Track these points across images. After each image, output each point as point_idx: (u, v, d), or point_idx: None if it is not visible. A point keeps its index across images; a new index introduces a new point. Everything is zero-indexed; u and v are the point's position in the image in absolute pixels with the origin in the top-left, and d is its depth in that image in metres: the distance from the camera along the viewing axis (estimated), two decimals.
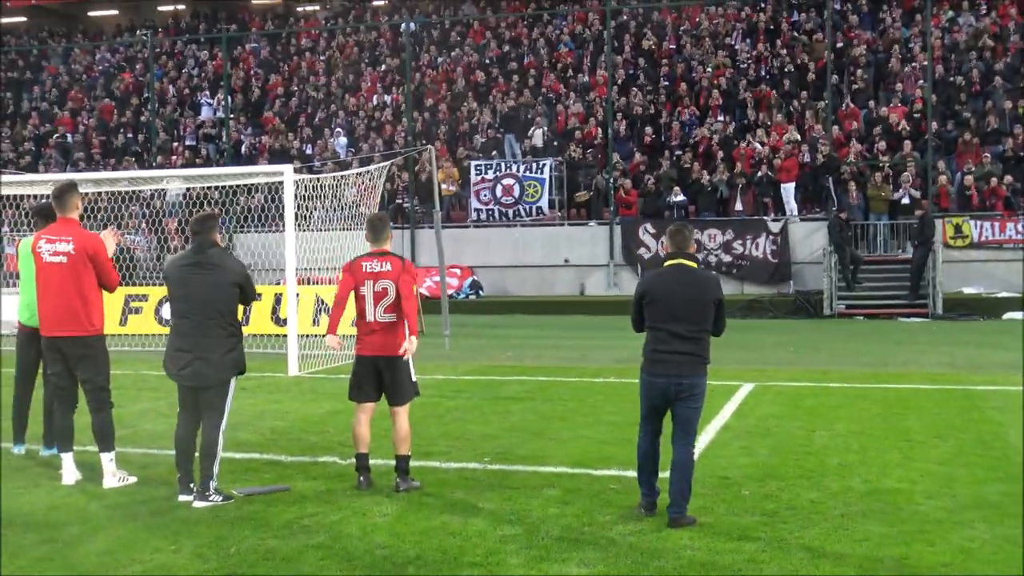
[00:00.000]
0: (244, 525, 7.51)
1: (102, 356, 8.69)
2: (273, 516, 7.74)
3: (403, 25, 38.51)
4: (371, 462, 8.63)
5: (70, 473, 8.78)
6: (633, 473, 8.79)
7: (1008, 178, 26.38)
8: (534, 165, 29.21)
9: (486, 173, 29.28)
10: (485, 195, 29.28)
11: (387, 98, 34.88)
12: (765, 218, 27.51)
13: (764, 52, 33.02)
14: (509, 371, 15.77)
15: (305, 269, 23.56)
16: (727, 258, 27.44)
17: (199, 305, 8.12)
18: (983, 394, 12.96)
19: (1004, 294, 24.83)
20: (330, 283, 23.59)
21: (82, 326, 8.55)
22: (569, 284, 28.79)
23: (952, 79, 29.93)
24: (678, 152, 29.78)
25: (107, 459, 8.65)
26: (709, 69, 32.76)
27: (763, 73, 32.36)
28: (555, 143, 30.57)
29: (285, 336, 20.26)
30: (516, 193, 29.08)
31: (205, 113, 36.10)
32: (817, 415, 11.62)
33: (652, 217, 28.35)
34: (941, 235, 25.58)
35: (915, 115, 28.91)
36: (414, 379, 8.63)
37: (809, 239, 27.17)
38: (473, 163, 29.54)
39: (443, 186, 28.86)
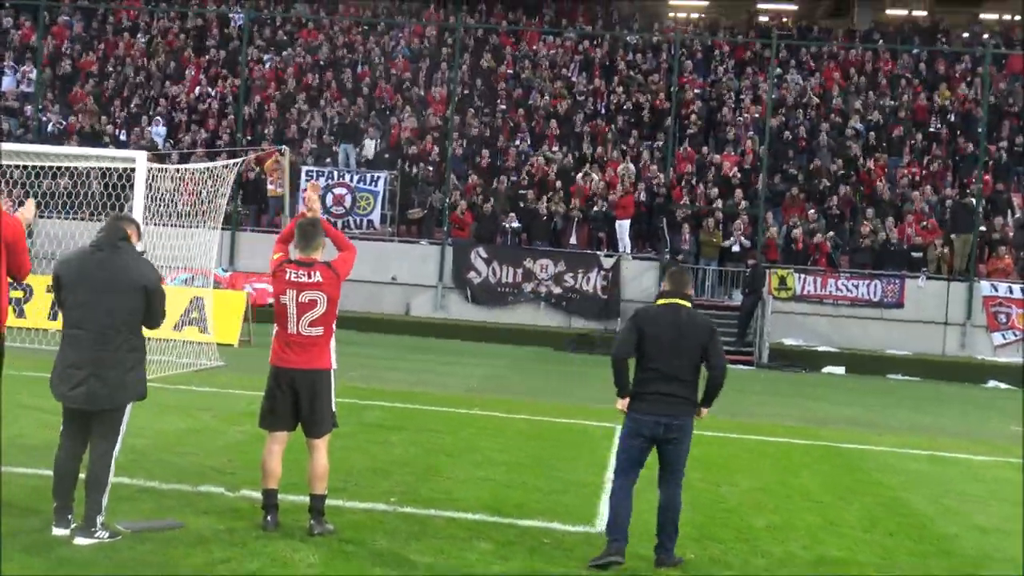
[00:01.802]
0: (145, 570, 6.41)
1: None
2: (177, 560, 6.65)
3: (232, 16, 36.95)
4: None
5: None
6: (558, 525, 8.23)
7: (831, 235, 27.19)
8: (368, 177, 28.24)
9: (317, 180, 28.06)
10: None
11: (211, 90, 33.12)
12: (598, 253, 27.43)
13: (600, 87, 33.17)
14: (364, 394, 14.80)
15: None
16: (557, 290, 27.20)
17: (100, 313, 6.87)
18: (851, 452, 12.95)
19: (824, 348, 25.51)
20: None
21: None
22: (395, 303, 27.90)
23: (781, 134, 30.78)
24: (514, 178, 29.43)
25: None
26: (546, 97, 32.66)
27: (600, 108, 32.49)
28: (386, 156, 29.67)
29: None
30: (347, 204, 28.02)
31: (7, 84, 33.37)
32: (711, 466, 11.25)
33: (486, 241, 27.83)
34: (767, 286, 26.10)
35: (745, 166, 29.54)
36: (334, 408, 7.70)
37: (640, 278, 27.25)
38: (304, 168, 28.29)
39: (270, 187, 27.49)
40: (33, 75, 33.43)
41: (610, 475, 10.22)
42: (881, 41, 35.97)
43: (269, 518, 7.51)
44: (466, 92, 33.02)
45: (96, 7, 37.37)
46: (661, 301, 7.43)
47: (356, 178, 28.14)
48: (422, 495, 8.93)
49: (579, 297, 27.18)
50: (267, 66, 34.30)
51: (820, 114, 32.03)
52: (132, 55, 34.66)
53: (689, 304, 7.42)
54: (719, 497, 9.77)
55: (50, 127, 31.12)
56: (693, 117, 31.29)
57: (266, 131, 31.13)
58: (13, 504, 7.58)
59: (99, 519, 6.92)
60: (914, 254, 26.67)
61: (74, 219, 22.72)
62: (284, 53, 35.02)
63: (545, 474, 10.20)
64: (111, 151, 19.96)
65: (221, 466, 9.48)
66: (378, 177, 28.18)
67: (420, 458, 10.51)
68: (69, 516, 7.00)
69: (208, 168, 16.98)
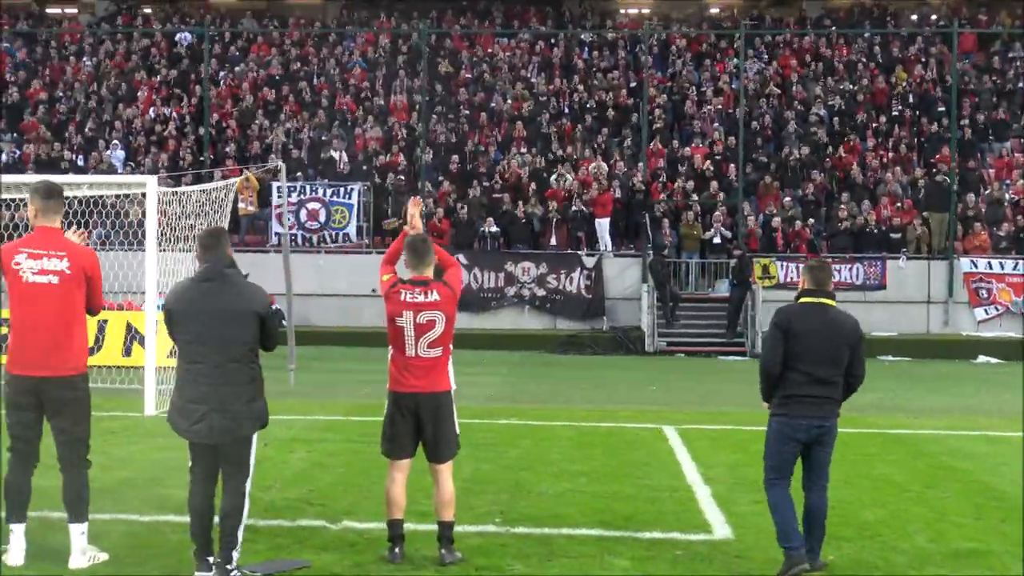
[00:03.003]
0: None
1: (85, 401, 6.94)
2: None
3: (179, 35, 36.20)
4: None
5: (19, 550, 6.91)
6: (678, 535, 8.00)
7: (811, 221, 27.29)
8: (341, 190, 27.76)
9: (289, 195, 27.51)
10: (288, 219, 27.49)
11: (166, 111, 32.35)
12: (579, 252, 27.24)
13: (562, 87, 33.01)
14: (378, 410, 14.39)
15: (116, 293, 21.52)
16: (540, 292, 26.96)
17: (216, 343, 6.51)
18: (906, 437, 12.88)
19: None
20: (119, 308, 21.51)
21: (68, 363, 6.80)
22: (376, 315, 27.24)
23: (747, 123, 30.83)
24: (486, 182, 29.13)
25: (78, 531, 6.88)
26: (508, 100, 32.42)
27: (563, 108, 32.31)
28: (363, 167, 29.19)
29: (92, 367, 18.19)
30: (322, 218, 27.52)
31: None
32: None
33: (464, 248, 27.48)
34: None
35: (716, 156, 29.54)
36: (457, 431, 7.39)
37: (623, 275, 27.11)
38: (275, 185, 27.69)
39: (240, 205, 26.89)
40: None
41: (692, 479, 10.09)
42: (833, 27, 36.27)
43: (397, 550, 7.20)
44: (426, 99, 32.64)
45: (36, 31, 36.43)
46: (806, 300, 7.15)
47: (329, 192, 27.64)
48: (524, 513, 8.64)
49: (563, 298, 26.96)
50: (221, 84, 33.59)
51: (783, 102, 32.16)
52: (80, 79, 33.77)
53: (834, 302, 7.17)
54: None
55: (3, 156, 30.19)
56: (658, 112, 31.24)
57: (228, 149, 30.48)
58: (122, 552, 7.17)
59: (235, 554, 6.55)
60: (892, 235, 26.84)
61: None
62: (237, 69, 34.35)
63: (629, 482, 9.96)
64: (123, 177, 19.32)
65: (304, 497, 9.11)
66: (351, 189, 27.71)
67: (499, 474, 10.19)
68: (210, 559, 6.61)
69: (205, 190, 16.46)
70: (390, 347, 7.35)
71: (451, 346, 7.36)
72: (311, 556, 7.28)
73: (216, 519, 6.66)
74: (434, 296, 7.20)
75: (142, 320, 19.92)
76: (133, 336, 19.79)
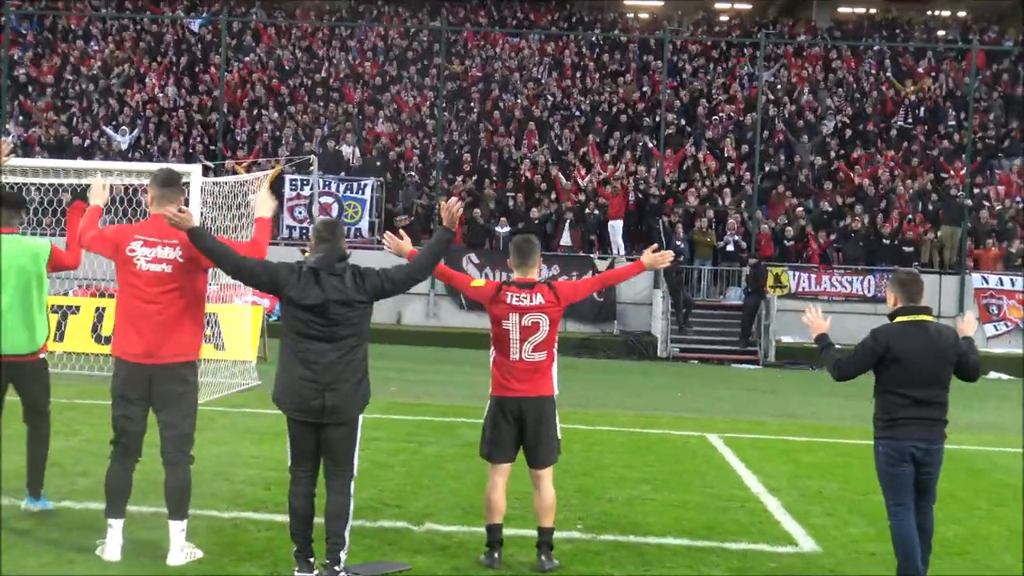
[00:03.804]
0: None
1: (194, 395, 6.82)
2: None
3: (188, 21, 35.95)
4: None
5: (116, 545, 6.78)
6: (765, 547, 7.94)
7: (822, 231, 27.31)
8: (354, 184, 27.58)
9: (301, 189, 27.35)
10: (300, 212, 27.35)
11: (176, 98, 32.10)
12: (592, 255, 27.17)
13: (573, 88, 32.96)
14: (425, 410, 14.39)
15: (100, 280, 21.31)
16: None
17: (332, 325, 6.49)
18: (952, 453, 12.81)
19: None
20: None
21: (179, 354, 6.68)
22: (386, 312, 27.26)
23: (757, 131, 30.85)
24: (497, 181, 29.02)
25: (178, 528, 6.76)
26: (520, 99, 32.34)
27: (575, 109, 32.25)
28: (376, 163, 29.02)
29: (108, 355, 18.00)
30: (334, 213, 27.32)
31: None
32: (832, 473, 11.05)
33: (477, 247, 27.39)
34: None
35: (729, 163, 29.55)
36: (559, 436, 7.29)
37: (635, 280, 26.92)
38: (288, 177, 27.51)
39: (250, 196, 26.68)
40: None
41: (756, 489, 10.03)
42: (841, 38, 36.38)
43: (496, 555, 7.11)
44: (443, 95, 32.49)
45: (45, 13, 36.08)
46: (903, 318, 6.96)
47: (342, 186, 27.46)
48: (604, 520, 8.57)
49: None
50: (230, 73, 33.34)
51: (792, 112, 32.21)
52: (89, 63, 33.45)
53: (931, 316, 7.06)
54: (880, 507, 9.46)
55: (11, 139, 29.86)
56: (670, 117, 31.22)
57: (239, 138, 30.29)
58: (211, 550, 7.05)
59: (343, 555, 6.45)
60: (905, 248, 26.87)
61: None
62: (247, 58, 34.12)
63: (694, 491, 9.89)
64: (163, 165, 19.03)
65: (377, 497, 8.98)
66: (364, 184, 27.55)
67: (560, 479, 10.02)
68: (311, 559, 6.50)
69: (241, 181, 16.30)
70: (493, 350, 7.25)
71: (555, 351, 7.26)
72: (405, 559, 7.18)
73: (305, 515, 6.60)
74: (539, 299, 7.13)
75: None
76: None
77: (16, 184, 19.20)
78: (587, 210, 27.55)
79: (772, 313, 24.81)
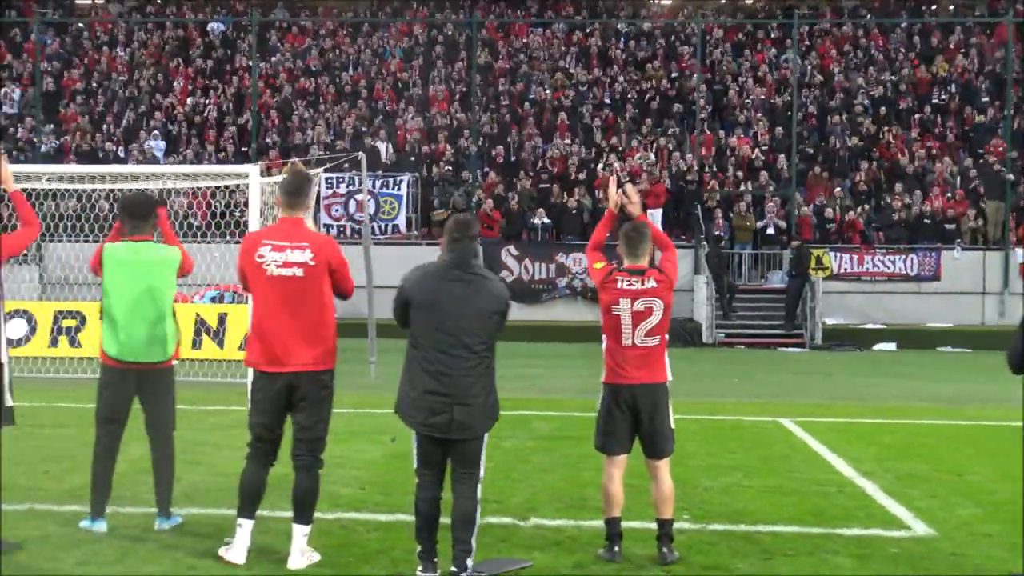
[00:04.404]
0: None
1: (331, 399, 6.74)
2: None
3: (210, 25, 35.87)
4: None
5: (242, 548, 6.70)
6: (879, 531, 7.80)
7: (862, 210, 27.10)
8: (390, 181, 27.51)
9: (337, 187, 27.29)
10: (337, 210, 27.30)
11: (204, 101, 32.04)
12: None
13: (601, 77, 32.76)
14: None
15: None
16: (593, 283, 26.63)
17: (461, 335, 6.29)
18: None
19: (871, 325, 25.40)
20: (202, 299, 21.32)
21: (317, 359, 6.59)
22: None
23: (789, 114, 30.63)
24: (531, 173, 28.89)
25: (302, 533, 6.66)
26: (548, 90, 32.17)
27: (605, 99, 32.06)
28: (410, 158, 28.92)
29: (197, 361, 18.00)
30: (371, 209, 27.22)
31: None
32: (918, 455, 10.90)
33: (515, 239, 27.28)
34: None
35: (763, 147, 29.34)
36: (673, 425, 7.17)
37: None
38: (324, 175, 27.39)
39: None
40: (16, 95, 32.15)
41: (848, 473, 9.89)
42: (870, 16, 36.03)
43: (616, 548, 6.99)
44: (464, 89, 32.42)
45: (67, 21, 36.09)
46: None
47: (378, 183, 27.36)
48: (708, 509, 8.43)
49: None
50: (258, 74, 33.26)
51: (824, 92, 31.94)
52: (116, 69, 33.43)
53: None
54: (989, 491, 9.27)
55: (43, 147, 29.90)
56: (701, 102, 31.03)
57: (268, 139, 30.23)
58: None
59: (469, 562, 6.34)
60: (947, 226, 26.65)
61: (84, 241, 21.83)
62: (273, 59, 34.04)
63: (786, 476, 9.78)
64: (223, 167, 19.04)
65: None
66: (400, 180, 27.46)
67: (638, 468, 9.94)
68: (436, 559, 6.40)
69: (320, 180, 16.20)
70: (605, 338, 7.14)
71: (667, 336, 7.15)
72: (522, 555, 7.07)
73: (432, 518, 6.50)
74: (651, 283, 7.03)
75: (211, 313, 19.84)
76: (199, 328, 19.52)
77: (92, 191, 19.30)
78: None
79: (818, 295, 24.63)
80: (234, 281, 19.01)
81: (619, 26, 35.59)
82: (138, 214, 7.53)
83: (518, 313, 26.65)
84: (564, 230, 27.42)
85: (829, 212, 26.81)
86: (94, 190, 20.60)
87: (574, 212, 27.33)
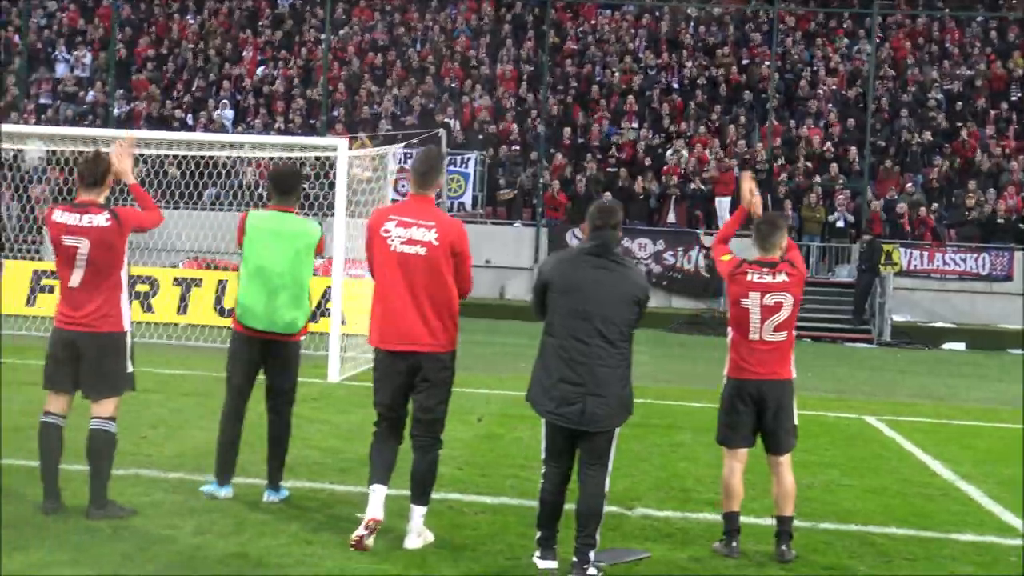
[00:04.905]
0: None
1: (451, 381, 6.67)
2: None
3: None
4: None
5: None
6: (993, 538, 7.63)
7: (935, 206, 26.70)
8: (458, 158, 27.42)
9: (405, 162, 27.17)
10: (403, 186, 27.19)
11: (273, 72, 32.11)
12: (698, 231, 26.81)
13: (671, 62, 32.46)
14: None
15: (209, 252, 21.35)
16: (657, 268, 26.54)
17: (599, 322, 6.17)
18: None
19: (940, 324, 25.05)
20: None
21: (438, 339, 6.52)
22: (489, 286, 27.10)
23: (860, 105, 30.22)
24: (599, 156, 28.70)
25: (419, 513, 6.62)
26: (616, 73, 31.91)
27: (674, 83, 31.77)
28: (478, 136, 28.82)
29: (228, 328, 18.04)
30: None
31: (61, 71, 32.21)
32: (1015, 460, 10.67)
33: (580, 222, 27.07)
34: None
35: (833, 138, 28.97)
36: (796, 421, 7.04)
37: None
38: (391, 151, 27.34)
39: (354, 171, 26.62)
40: (87, 60, 32.37)
41: (947, 476, 9.71)
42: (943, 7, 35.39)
43: (734, 544, 6.89)
44: (531, 69, 32.24)
45: None
46: None
47: (446, 160, 27.26)
48: (812, 507, 8.28)
49: (680, 276, 26.58)
50: (325, 47, 33.25)
51: (897, 85, 31.47)
52: (187, 37, 33.56)
53: None
54: None
55: (116, 111, 30.11)
56: (771, 91, 30.67)
57: (335, 112, 30.25)
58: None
59: (592, 555, 6.25)
60: (1021, 225, 26.19)
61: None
62: (341, 32, 34.01)
63: (884, 476, 9.67)
64: (310, 139, 19.13)
65: (533, 476, 8.78)
66: (468, 158, 27.38)
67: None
68: (555, 547, 6.32)
69: (373, 155, 16.23)
70: (730, 331, 7.02)
71: (795, 332, 7.02)
72: (636, 545, 6.99)
73: (556, 506, 6.41)
74: (782, 277, 6.88)
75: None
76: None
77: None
78: (692, 185, 27.17)
79: (888, 291, 24.30)
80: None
81: (689, 10, 35.21)
82: (284, 186, 7.52)
83: None
84: (630, 215, 27.13)
85: (900, 208, 26.39)
86: (161, 155, 20.78)
87: (641, 197, 27.14)
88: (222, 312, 18.97)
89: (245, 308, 7.44)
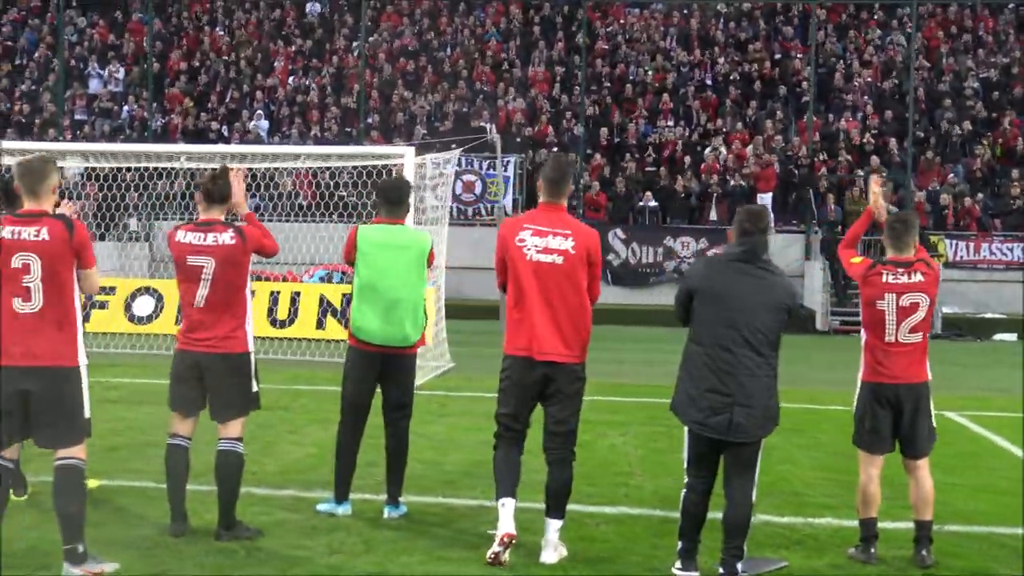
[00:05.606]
0: None
1: (583, 391, 6.60)
2: None
3: (308, 5, 35.91)
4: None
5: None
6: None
7: (980, 196, 26.52)
8: (496, 161, 27.32)
9: (444, 167, 27.11)
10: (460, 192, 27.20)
11: (306, 81, 32.12)
12: None
13: (703, 58, 32.33)
14: (642, 391, 14.10)
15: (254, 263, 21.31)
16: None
17: (746, 331, 6.09)
18: None
19: (990, 315, 24.87)
20: (283, 279, 21.38)
21: (573, 350, 6.47)
22: None
23: (896, 96, 30.07)
24: (637, 156, 28.61)
25: (555, 527, 6.57)
26: (649, 72, 31.81)
27: (707, 80, 31.65)
28: (516, 140, 28.74)
29: (285, 339, 18.06)
30: (477, 190, 27.17)
31: (95, 86, 32.29)
32: None
33: (622, 222, 27.06)
34: None
35: (872, 130, 28.80)
36: (934, 423, 6.95)
37: (785, 251, 26.46)
38: (429, 157, 27.30)
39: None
40: (120, 75, 32.45)
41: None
42: None
43: (872, 550, 6.82)
44: (563, 70, 32.17)
45: (166, 1, 36.32)
46: None
47: (485, 164, 27.24)
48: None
49: None
50: (355, 54, 33.28)
51: (932, 75, 31.28)
52: (218, 49, 33.60)
53: None
54: None
55: (153, 125, 30.16)
56: (805, 84, 30.53)
57: (371, 119, 30.23)
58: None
59: (739, 565, 6.18)
60: None
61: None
62: (371, 39, 33.99)
63: (986, 475, 9.68)
64: (379, 148, 19.12)
65: (677, 486, 8.69)
66: (507, 161, 27.29)
67: (832, 461, 9.72)
68: (697, 557, 6.25)
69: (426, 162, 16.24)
70: (864, 333, 6.93)
71: (929, 334, 6.92)
72: (770, 553, 6.90)
73: (699, 516, 6.35)
74: (918, 277, 6.78)
75: (335, 293, 19.85)
76: (326, 309, 19.55)
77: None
78: (732, 182, 27.05)
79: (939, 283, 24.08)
80: (340, 261, 19.15)
81: (718, 7, 35.09)
82: (393, 198, 7.47)
83: (623, 296, 26.53)
84: (671, 213, 27.15)
85: (944, 198, 26.22)
86: (200, 169, 20.78)
87: (682, 196, 27.04)
88: (273, 323, 19.10)
89: (360, 323, 7.38)
